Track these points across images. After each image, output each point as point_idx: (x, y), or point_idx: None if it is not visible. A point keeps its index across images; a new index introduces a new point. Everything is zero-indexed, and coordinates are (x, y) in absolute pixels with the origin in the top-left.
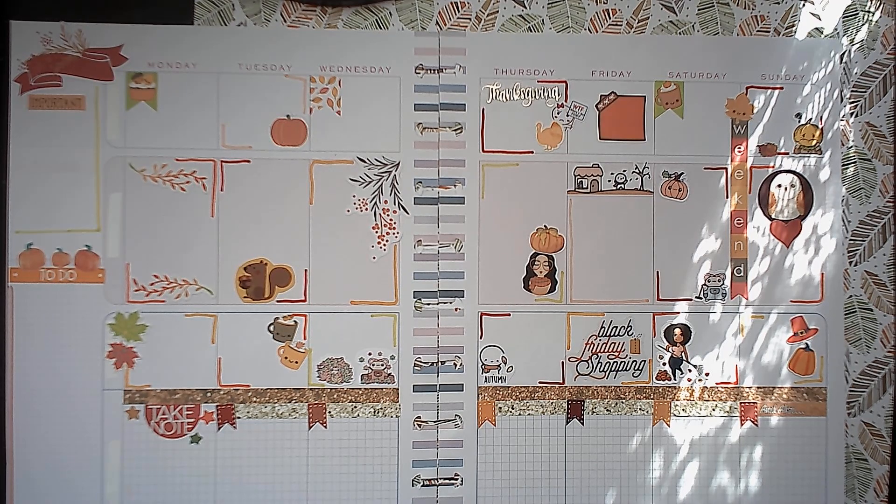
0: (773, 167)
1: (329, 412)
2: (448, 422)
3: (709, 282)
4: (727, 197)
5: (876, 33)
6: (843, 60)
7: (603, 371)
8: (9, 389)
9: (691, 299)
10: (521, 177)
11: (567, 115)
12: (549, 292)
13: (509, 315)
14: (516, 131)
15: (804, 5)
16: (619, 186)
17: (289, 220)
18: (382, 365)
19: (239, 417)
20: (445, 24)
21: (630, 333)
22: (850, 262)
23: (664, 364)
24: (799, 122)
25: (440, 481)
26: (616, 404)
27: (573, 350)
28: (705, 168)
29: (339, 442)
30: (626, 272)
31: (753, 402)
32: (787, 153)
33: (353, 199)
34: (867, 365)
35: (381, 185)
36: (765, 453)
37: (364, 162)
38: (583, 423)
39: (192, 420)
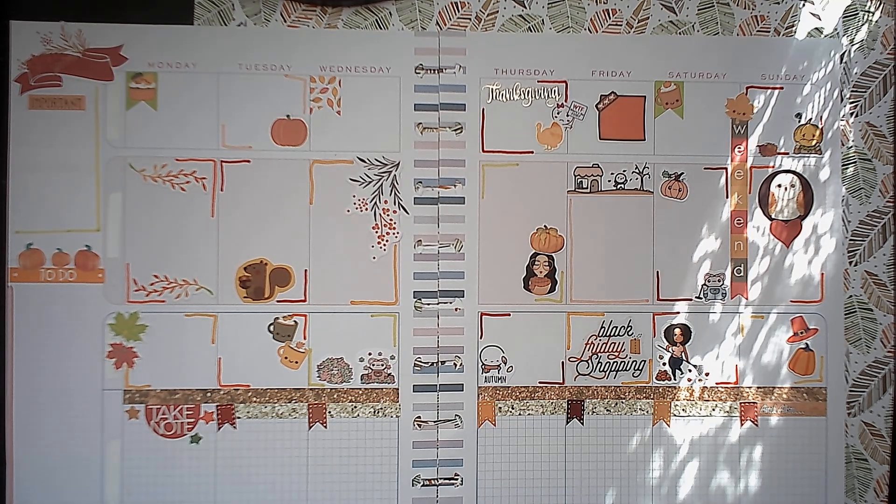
0: (773, 167)
1: (329, 412)
2: (448, 422)
3: (709, 282)
4: (727, 197)
5: (876, 33)
6: (843, 60)
7: (603, 371)
8: (9, 389)
9: (691, 299)
10: (521, 177)
11: (567, 115)
12: (549, 292)
13: (509, 315)
14: (516, 131)
15: (804, 5)
16: (619, 186)
17: (289, 220)
18: (382, 365)
19: (239, 417)
20: (445, 24)
21: (630, 333)
22: (850, 262)
23: (664, 364)
24: (799, 122)
25: (440, 481)
26: (616, 404)
27: (573, 350)
28: (705, 168)
29: (339, 442)
30: (626, 272)
31: (753, 402)
32: (787, 153)
33: (353, 199)
34: (867, 365)
35: (381, 185)
36: (765, 453)
37: (364, 162)
38: (583, 423)
39: (192, 420)
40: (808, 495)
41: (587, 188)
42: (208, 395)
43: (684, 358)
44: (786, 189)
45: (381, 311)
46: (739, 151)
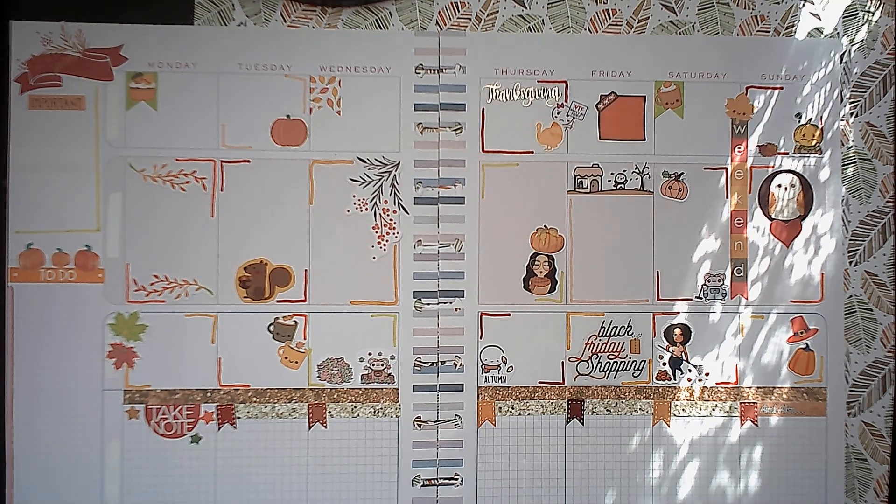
0: (773, 167)
1: (329, 412)
2: (448, 422)
3: (709, 282)
4: (727, 197)
5: (876, 33)
6: (843, 60)
7: (603, 371)
8: (9, 389)
9: (691, 299)
10: (521, 177)
11: (567, 115)
12: (549, 292)
13: (509, 315)
14: (516, 131)
15: (804, 5)
16: (619, 186)
17: (289, 220)
18: (382, 365)
19: (239, 417)
20: (445, 24)
21: (630, 333)
22: (850, 262)
23: (664, 364)
24: (799, 122)
25: (440, 481)
26: (616, 404)
27: (573, 350)
28: (705, 168)
29: (339, 442)
30: (626, 272)
31: (753, 402)
32: (787, 153)
33: (353, 199)
34: (867, 365)
35: (381, 185)
36: (765, 453)
37: (364, 162)
38: (583, 423)
39: (192, 420)
40: (808, 495)
41: (587, 188)
42: (208, 395)
43: (684, 358)
44: (786, 189)
45: (381, 311)
46: (739, 151)
